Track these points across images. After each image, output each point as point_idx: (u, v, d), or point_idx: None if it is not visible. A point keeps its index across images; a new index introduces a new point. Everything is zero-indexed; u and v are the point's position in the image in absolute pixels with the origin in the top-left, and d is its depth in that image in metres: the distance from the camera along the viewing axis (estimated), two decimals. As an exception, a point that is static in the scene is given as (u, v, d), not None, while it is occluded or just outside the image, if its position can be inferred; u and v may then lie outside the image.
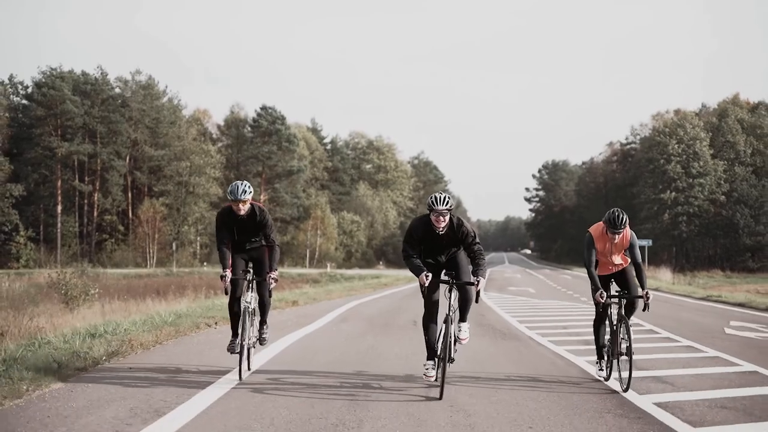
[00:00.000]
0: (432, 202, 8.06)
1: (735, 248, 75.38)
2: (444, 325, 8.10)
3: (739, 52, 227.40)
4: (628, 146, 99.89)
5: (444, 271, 8.45)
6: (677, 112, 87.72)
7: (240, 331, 8.60)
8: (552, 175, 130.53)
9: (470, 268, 8.29)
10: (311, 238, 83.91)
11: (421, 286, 8.07)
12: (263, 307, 9.18)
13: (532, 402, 7.76)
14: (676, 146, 79.43)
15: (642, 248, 62.14)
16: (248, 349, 9.00)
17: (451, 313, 8.15)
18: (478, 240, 8.32)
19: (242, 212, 8.60)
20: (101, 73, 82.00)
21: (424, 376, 8.25)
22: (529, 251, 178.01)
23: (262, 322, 9.27)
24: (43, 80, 78.43)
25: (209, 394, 7.70)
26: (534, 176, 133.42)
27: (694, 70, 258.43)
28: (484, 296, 28.34)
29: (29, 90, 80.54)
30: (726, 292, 33.77)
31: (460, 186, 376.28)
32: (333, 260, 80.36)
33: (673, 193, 79.26)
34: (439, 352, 8.19)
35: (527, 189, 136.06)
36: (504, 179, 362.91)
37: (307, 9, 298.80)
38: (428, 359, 8.29)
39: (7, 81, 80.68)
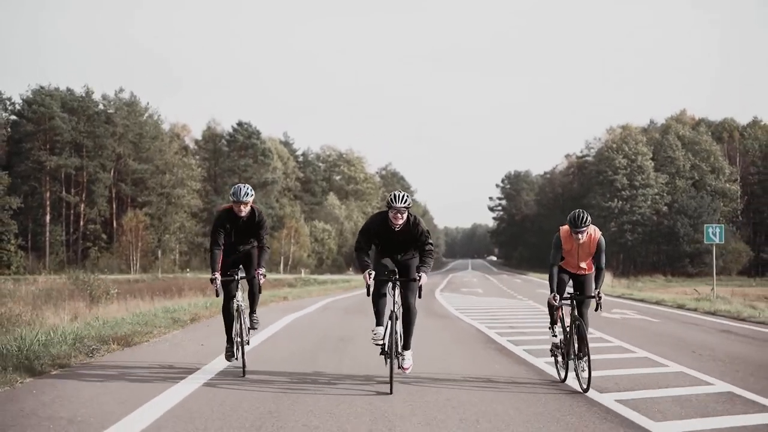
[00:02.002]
0: (391, 199, 8.32)
1: (676, 254, 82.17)
2: (389, 322, 8.44)
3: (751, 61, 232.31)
4: (583, 158, 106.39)
5: (388, 269, 8.68)
6: (624, 127, 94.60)
7: (234, 330, 9.16)
8: (514, 185, 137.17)
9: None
10: (285, 246, 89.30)
11: (366, 283, 8.40)
12: (252, 297, 9.53)
13: (454, 358, 13.59)
14: (622, 160, 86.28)
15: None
16: (243, 347, 9.26)
17: (396, 310, 8.44)
18: (431, 240, 8.66)
19: (243, 213, 9.03)
20: (87, 91, 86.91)
21: (372, 341, 8.66)
22: (494, 258, 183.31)
23: (252, 312, 9.62)
24: (33, 97, 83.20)
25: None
26: (497, 186, 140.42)
27: (692, 73, 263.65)
28: (439, 295, 34.20)
29: (17, 107, 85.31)
30: (649, 293, 39.65)
31: (428, 193, 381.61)
32: (306, 266, 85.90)
33: (620, 202, 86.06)
34: (386, 349, 8.47)
35: (491, 198, 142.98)
36: (472, 187, 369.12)
37: (284, 15, 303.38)
38: (376, 325, 8.63)
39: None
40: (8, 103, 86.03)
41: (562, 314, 9.09)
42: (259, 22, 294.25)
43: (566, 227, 8.94)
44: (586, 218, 8.70)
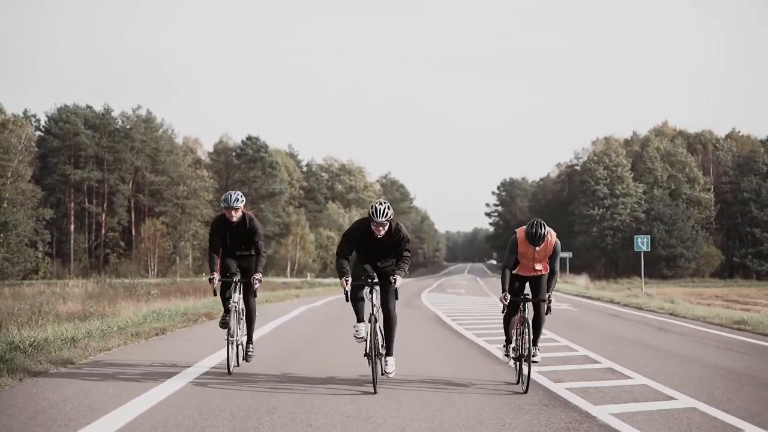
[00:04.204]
0: (372, 213, 8.50)
1: (652, 258, 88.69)
2: (369, 324, 8.65)
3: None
4: (572, 167, 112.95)
5: (367, 273, 8.88)
6: (607, 139, 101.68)
7: (228, 329, 9.56)
8: (509, 191, 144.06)
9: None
10: (291, 252, 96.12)
11: (343, 289, 8.60)
12: (249, 321, 10.01)
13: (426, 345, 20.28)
14: (603, 171, 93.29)
15: (563, 259, 75.41)
16: (237, 346, 9.80)
17: (374, 313, 8.64)
18: (408, 247, 8.88)
19: (234, 219, 9.53)
20: (107, 109, 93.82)
21: (354, 338, 8.97)
22: (494, 261, 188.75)
23: (248, 341, 10.08)
24: (59, 115, 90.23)
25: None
26: (493, 193, 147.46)
27: (690, 75, 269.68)
28: (425, 294, 40.59)
29: (41, 123, 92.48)
30: (598, 292, 46.35)
31: (428, 197, 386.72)
32: (311, 270, 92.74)
33: (601, 210, 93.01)
34: (367, 350, 8.68)
35: (487, 204, 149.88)
36: (473, 191, 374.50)
37: (278, 18, 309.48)
38: (357, 322, 8.92)
39: (22, 114, 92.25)
40: (33, 119, 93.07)
41: (521, 317, 9.06)
42: (259, 25, 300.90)
43: (522, 230, 9.05)
44: (543, 235, 8.76)
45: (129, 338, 12.66)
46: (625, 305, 29.40)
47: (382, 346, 8.79)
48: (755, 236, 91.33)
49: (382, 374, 8.78)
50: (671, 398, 8.57)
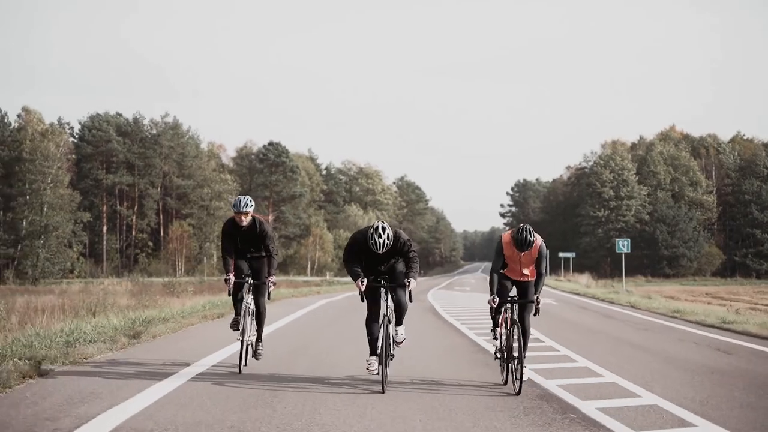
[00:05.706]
0: (372, 245, 8.73)
1: (655, 258, 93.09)
2: (383, 325, 8.99)
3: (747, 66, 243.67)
4: (581, 170, 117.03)
5: (379, 276, 9.17)
6: (614, 142, 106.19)
7: (240, 330, 9.78)
8: (522, 193, 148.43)
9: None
10: (311, 252, 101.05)
11: (359, 289, 8.94)
12: (260, 321, 10.22)
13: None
14: (609, 174, 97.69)
15: (566, 259, 79.81)
16: (247, 346, 9.96)
17: (388, 314, 9.03)
18: (414, 249, 9.13)
19: (244, 223, 9.78)
20: (137, 117, 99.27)
21: (367, 370, 9.00)
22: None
23: (258, 340, 10.28)
24: (91, 123, 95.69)
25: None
26: (507, 194, 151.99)
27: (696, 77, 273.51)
28: (432, 291, 44.91)
29: (74, 130, 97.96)
30: (590, 289, 50.77)
31: (446, 198, 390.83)
32: (330, 270, 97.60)
33: (606, 212, 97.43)
34: (379, 350, 8.90)
35: (501, 205, 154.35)
36: (490, 191, 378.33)
37: (289, 22, 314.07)
38: (370, 355, 9.02)
39: (56, 122, 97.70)
40: (67, 126, 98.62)
41: (506, 317, 9.21)
42: (273, 33, 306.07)
43: (508, 234, 9.17)
44: (531, 241, 8.88)
45: (201, 319, 17.48)
46: (602, 300, 33.90)
47: (393, 347, 9.20)
48: (756, 237, 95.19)
49: (393, 342, 9.15)
50: (565, 355, 13.14)
